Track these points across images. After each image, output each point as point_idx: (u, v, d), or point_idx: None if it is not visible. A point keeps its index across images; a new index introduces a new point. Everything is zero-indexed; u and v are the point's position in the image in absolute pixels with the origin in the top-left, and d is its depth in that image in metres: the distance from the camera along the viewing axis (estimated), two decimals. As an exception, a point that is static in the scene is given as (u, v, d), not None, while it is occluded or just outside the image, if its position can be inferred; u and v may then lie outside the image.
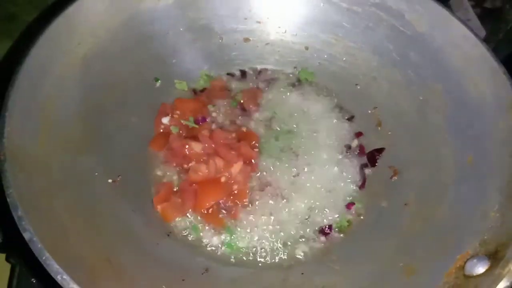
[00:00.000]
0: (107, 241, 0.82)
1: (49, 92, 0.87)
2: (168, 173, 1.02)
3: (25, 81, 0.81)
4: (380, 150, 1.07)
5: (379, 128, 1.10)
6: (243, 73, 1.19)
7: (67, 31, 0.93)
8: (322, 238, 0.96)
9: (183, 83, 1.14)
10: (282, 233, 0.96)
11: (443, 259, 0.80)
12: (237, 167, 0.98)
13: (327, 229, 0.96)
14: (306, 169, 1.03)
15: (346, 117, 1.13)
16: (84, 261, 0.73)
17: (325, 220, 0.98)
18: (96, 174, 0.92)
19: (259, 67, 1.20)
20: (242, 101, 1.13)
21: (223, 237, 0.95)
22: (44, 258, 0.65)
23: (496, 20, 1.30)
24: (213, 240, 0.94)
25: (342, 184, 1.03)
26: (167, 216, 0.95)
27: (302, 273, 0.89)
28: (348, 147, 1.08)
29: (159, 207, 0.95)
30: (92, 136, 0.95)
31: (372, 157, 1.07)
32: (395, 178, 1.01)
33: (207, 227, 0.95)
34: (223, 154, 1.00)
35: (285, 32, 1.19)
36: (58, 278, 0.65)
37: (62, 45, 0.91)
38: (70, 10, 0.92)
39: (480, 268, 0.71)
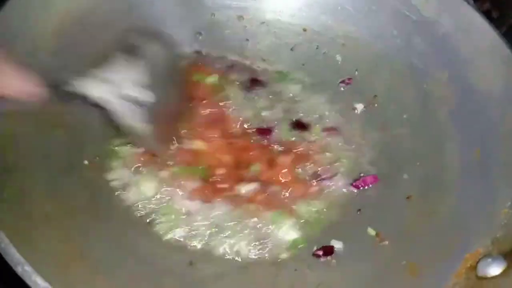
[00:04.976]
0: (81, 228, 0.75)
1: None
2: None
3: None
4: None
5: (378, 119, 1.04)
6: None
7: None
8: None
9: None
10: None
11: (449, 257, 0.75)
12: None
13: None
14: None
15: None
16: (54, 254, 0.66)
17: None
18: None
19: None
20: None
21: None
22: (3, 245, 0.57)
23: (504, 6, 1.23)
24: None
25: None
26: None
27: (296, 270, 0.81)
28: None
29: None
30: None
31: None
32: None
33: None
34: None
35: (282, 11, 1.11)
36: (19, 270, 0.56)
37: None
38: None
39: (496, 269, 0.65)
